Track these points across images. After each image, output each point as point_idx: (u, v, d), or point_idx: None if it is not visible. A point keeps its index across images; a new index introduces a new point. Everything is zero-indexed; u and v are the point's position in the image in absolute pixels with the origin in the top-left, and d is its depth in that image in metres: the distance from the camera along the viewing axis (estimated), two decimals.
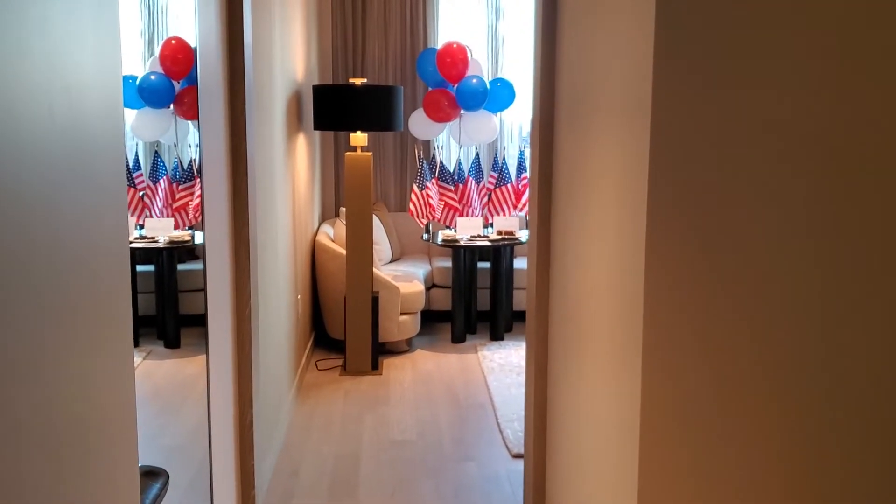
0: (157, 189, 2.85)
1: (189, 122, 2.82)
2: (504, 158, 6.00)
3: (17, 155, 0.87)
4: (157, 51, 2.75)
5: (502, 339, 5.63)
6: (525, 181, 5.74)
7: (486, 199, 5.87)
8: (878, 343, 1.58)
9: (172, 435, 2.78)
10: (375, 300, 4.94)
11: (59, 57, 0.98)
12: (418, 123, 5.92)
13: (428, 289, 5.85)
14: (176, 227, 2.83)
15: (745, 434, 1.61)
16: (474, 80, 5.73)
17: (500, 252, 5.59)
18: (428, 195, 5.60)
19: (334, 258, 5.16)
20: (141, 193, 2.82)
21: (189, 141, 2.85)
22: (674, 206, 1.55)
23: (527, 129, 6.30)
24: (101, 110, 1.13)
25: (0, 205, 0.83)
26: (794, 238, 1.56)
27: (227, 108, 2.78)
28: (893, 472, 1.62)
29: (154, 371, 2.81)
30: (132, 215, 2.71)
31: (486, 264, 5.76)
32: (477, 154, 6.00)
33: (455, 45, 5.75)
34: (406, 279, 5.45)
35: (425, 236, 5.96)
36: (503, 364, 5.08)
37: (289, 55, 4.31)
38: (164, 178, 2.85)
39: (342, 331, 5.18)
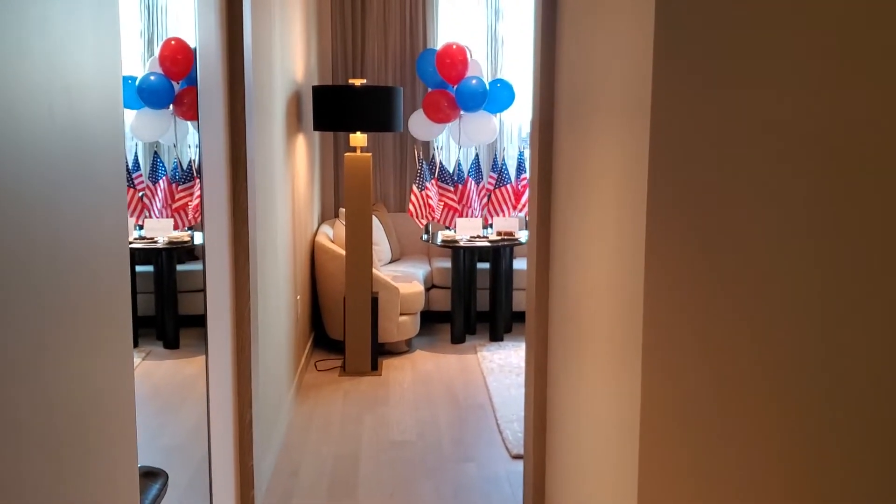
0: (156, 189, 2.84)
1: (188, 122, 2.82)
2: (503, 159, 6.00)
3: (17, 155, 0.87)
4: (157, 51, 2.75)
5: (502, 339, 5.63)
6: (524, 182, 5.74)
7: (485, 199, 5.87)
8: (878, 343, 1.58)
9: (171, 435, 2.78)
10: (375, 301, 4.94)
11: (59, 57, 0.98)
12: (418, 124, 5.92)
13: (427, 289, 5.85)
14: (175, 227, 2.83)
15: (745, 434, 1.61)
16: (474, 81, 5.73)
17: (500, 253, 5.59)
18: (427, 196, 5.60)
19: (334, 259, 5.16)
20: (140, 194, 2.82)
21: (188, 141, 2.85)
22: (674, 206, 1.55)
23: (526, 129, 6.31)
24: (100, 111, 1.13)
25: (0, 205, 0.83)
26: (794, 238, 1.56)
27: (226, 109, 2.78)
28: (893, 472, 1.62)
29: (153, 371, 2.81)
30: (131, 216, 2.71)
31: (486, 265, 5.76)
32: (476, 155, 6.00)
33: (455, 46, 5.75)
34: (405, 280, 5.45)
35: (425, 237, 5.96)
36: (503, 365, 5.08)
37: (289, 56, 4.31)
38: (164, 178, 2.85)
39: (341, 331, 5.18)
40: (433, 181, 5.69)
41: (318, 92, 4.81)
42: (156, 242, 2.86)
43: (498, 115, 5.99)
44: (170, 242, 2.87)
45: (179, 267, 3.05)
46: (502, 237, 5.62)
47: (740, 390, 1.60)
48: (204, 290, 2.65)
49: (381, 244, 5.81)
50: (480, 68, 5.88)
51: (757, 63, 1.52)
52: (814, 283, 1.57)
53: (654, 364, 1.59)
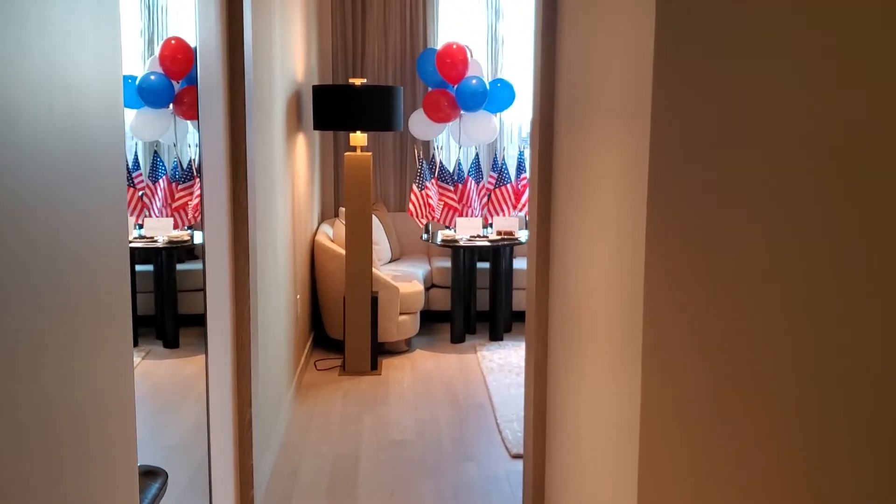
0: (156, 189, 2.84)
1: (188, 121, 2.82)
2: (504, 159, 6.00)
3: (17, 155, 0.87)
4: (157, 51, 2.75)
5: (501, 339, 5.63)
6: (524, 181, 5.74)
7: (485, 199, 5.87)
8: (878, 343, 1.58)
9: (171, 434, 2.78)
10: (375, 300, 4.94)
11: (59, 57, 0.98)
12: (418, 124, 5.92)
13: (427, 289, 5.85)
14: (175, 226, 2.83)
15: (745, 434, 1.61)
16: (474, 81, 5.73)
17: (500, 252, 5.59)
18: (427, 195, 5.60)
19: (334, 258, 5.16)
20: (140, 193, 2.82)
21: (188, 141, 2.85)
22: (674, 206, 1.55)
23: (526, 129, 6.31)
24: (101, 110, 1.13)
25: (0, 204, 0.83)
26: (794, 238, 1.56)
27: (226, 108, 2.78)
28: (893, 472, 1.62)
29: (153, 371, 2.81)
30: (131, 215, 2.71)
31: (486, 264, 5.76)
32: (476, 154, 6.00)
33: (455, 46, 5.75)
34: (405, 279, 5.45)
35: (425, 236, 5.96)
36: (502, 364, 5.08)
37: (289, 55, 4.31)
38: (164, 177, 2.85)
39: (341, 331, 5.18)
40: (433, 181, 5.69)
41: (319, 91, 4.81)
42: (155, 242, 2.86)
43: (498, 114, 5.99)
44: (169, 242, 2.87)
45: (179, 266, 3.05)
46: (502, 237, 5.62)
47: (740, 390, 1.60)
48: (204, 290, 2.65)
49: (380, 243, 5.81)
50: (481, 68, 5.88)
51: (757, 63, 1.52)
52: (814, 283, 1.57)
53: (654, 364, 1.59)
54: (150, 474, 1.51)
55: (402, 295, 5.20)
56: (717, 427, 1.61)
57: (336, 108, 4.77)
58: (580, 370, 2.18)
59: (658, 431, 1.61)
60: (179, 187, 2.85)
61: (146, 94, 2.68)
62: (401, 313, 5.25)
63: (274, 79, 3.77)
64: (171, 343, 2.96)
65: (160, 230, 2.84)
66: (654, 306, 1.57)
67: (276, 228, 3.77)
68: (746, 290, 1.57)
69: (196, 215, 2.74)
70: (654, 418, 1.61)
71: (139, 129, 2.78)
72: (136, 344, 2.06)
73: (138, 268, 2.96)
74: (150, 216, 2.83)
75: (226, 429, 2.84)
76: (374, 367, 4.98)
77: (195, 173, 2.73)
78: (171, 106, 2.78)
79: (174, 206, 2.84)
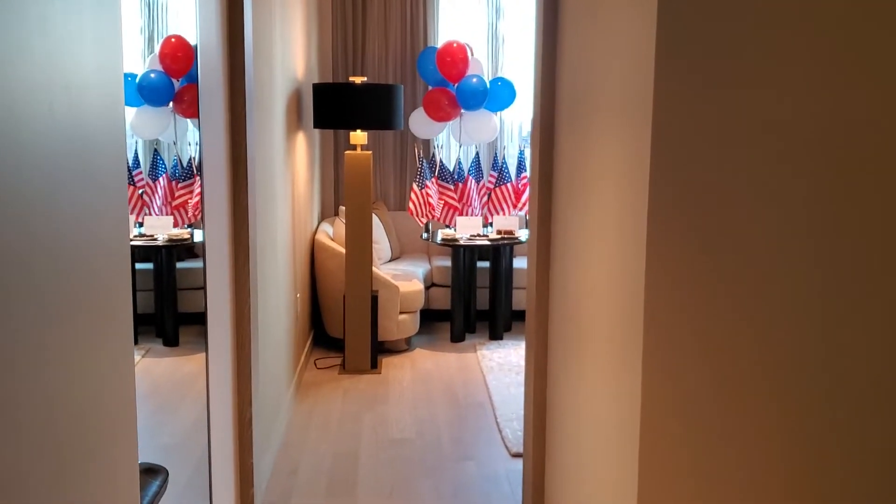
0: (156, 187, 2.84)
1: (188, 120, 2.82)
2: (504, 158, 6.00)
3: (17, 153, 0.87)
4: (157, 48, 2.75)
5: (501, 338, 5.64)
6: (525, 181, 5.74)
7: (485, 198, 5.87)
8: (878, 343, 1.58)
9: (171, 433, 2.78)
10: (375, 299, 4.94)
11: (59, 55, 0.98)
12: (418, 122, 5.92)
13: (427, 288, 5.85)
14: (175, 225, 2.83)
15: (745, 434, 1.61)
16: (474, 80, 5.73)
17: (500, 251, 5.59)
18: (427, 194, 5.60)
19: (333, 257, 5.16)
20: (140, 191, 2.82)
21: (188, 139, 2.85)
22: (674, 206, 1.55)
23: (527, 128, 6.30)
24: (101, 108, 1.13)
25: (1, 203, 0.83)
26: (794, 238, 1.56)
27: (227, 107, 2.78)
28: (893, 472, 1.62)
29: (153, 369, 2.81)
30: (131, 213, 2.71)
31: (486, 264, 5.76)
32: (477, 153, 6.00)
33: (455, 45, 5.75)
34: (405, 278, 5.44)
35: (425, 235, 5.96)
36: (502, 363, 5.08)
37: (289, 53, 4.31)
38: (164, 176, 2.85)
39: (341, 329, 5.18)
40: (433, 179, 5.69)
41: (319, 89, 4.81)
42: (155, 240, 2.86)
43: (498, 113, 5.98)
44: (169, 240, 2.87)
45: (179, 264, 3.05)
46: (502, 236, 5.62)
47: (740, 390, 1.60)
48: (204, 288, 2.65)
49: (381, 242, 5.81)
50: (481, 67, 5.88)
51: (757, 63, 1.52)
52: (814, 283, 1.57)
53: (655, 364, 1.59)
54: (151, 472, 1.51)
55: (402, 294, 5.20)
56: (717, 427, 1.61)
57: (336, 106, 4.77)
58: (580, 370, 2.18)
59: (658, 431, 1.61)
60: (179, 185, 2.85)
61: (146, 93, 2.67)
62: (401, 312, 5.25)
63: (274, 77, 3.77)
64: (171, 341, 2.96)
65: (160, 228, 2.84)
66: (655, 306, 1.57)
67: (276, 227, 3.77)
68: (746, 291, 1.57)
69: (196, 213, 2.74)
70: (654, 418, 1.61)
71: (139, 127, 2.77)
72: (135, 342, 2.06)
73: (138, 266, 2.96)
74: (150, 214, 2.83)
75: (226, 427, 2.84)
76: (374, 365, 4.98)
77: (195, 171, 2.73)
78: (171, 104, 2.78)
79: (174, 204, 2.84)
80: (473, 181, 5.80)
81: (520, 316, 5.64)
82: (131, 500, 1.29)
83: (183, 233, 2.83)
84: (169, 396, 2.88)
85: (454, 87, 5.80)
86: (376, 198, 6.43)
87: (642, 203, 1.58)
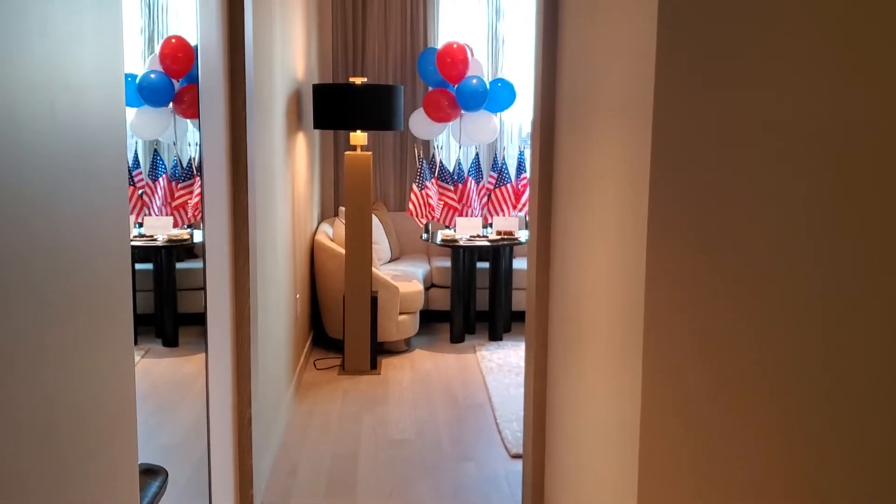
0: (156, 187, 2.84)
1: (188, 120, 2.82)
2: (504, 158, 6.00)
3: (18, 153, 0.87)
4: (157, 49, 2.75)
5: (501, 339, 5.63)
6: (524, 181, 5.74)
7: (485, 199, 5.87)
8: (878, 343, 1.58)
9: (170, 433, 2.77)
10: (374, 300, 4.94)
11: (60, 55, 0.98)
12: (418, 123, 5.92)
13: (427, 288, 5.85)
14: (175, 225, 2.83)
15: (745, 434, 1.61)
16: (474, 81, 5.73)
17: (500, 252, 5.59)
18: (427, 195, 5.60)
19: (333, 257, 5.16)
20: (140, 192, 2.82)
21: (188, 139, 2.85)
22: (674, 206, 1.55)
23: (527, 129, 6.31)
24: (102, 109, 1.13)
25: (1, 203, 0.83)
26: (794, 238, 1.56)
27: (227, 107, 2.78)
28: (893, 472, 1.62)
29: (152, 369, 2.81)
30: (131, 213, 2.70)
31: (486, 264, 5.76)
32: (477, 154, 6.00)
33: (455, 45, 5.75)
34: (405, 279, 5.44)
35: (424, 236, 5.96)
36: (502, 364, 5.08)
37: (289, 54, 4.31)
38: (164, 176, 2.85)
39: (341, 330, 5.18)
40: (433, 180, 5.69)
41: (319, 90, 4.81)
42: (155, 240, 2.86)
43: (498, 114, 5.98)
44: (169, 240, 2.87)
45: (179, 265, 3.05)
46: (502, 237, 5.62)
47: (740, 390, 1.60)
48: (204, 289, 2.65)
49: (380, 243, 5.81)
50: (481, 67, 5.88)
51: (757, 63, 1.52)
52: (814, 283, 1.57)
53: (655, 364, 1.59)
54: (151, 473, 1.51)
55: (402, 294, 5.20)
56: (717, 427, 1.61)
57: (336, 107, 4.77)
58: (580, 370, 2.18)
59: (658, 431, 1.61)
60: (179, 186, 2.85)
61: (146, 93, 2.67)
62: (400, 313, 5.25)
63: (274, 78, 3.77)
64: (171, 342, 2.96)
65: (160, 228, 2.84)
66: (655, 306, 1.57)
67: (275, 227, 3.77)
68: (746, 291, 1.57)
69: (196, 214, 2.74)
70: (654, 418, 1.61)
71: (139, 127, 2.78)
72: (135, 342, 2.05)
73: (137, 266, 2.95)
74: (150, 215, 2.83)
75: (225, 428, 2.84)
76: (374, 366, 4.98)
77: (195, 172, 2.73)
78: (171, 104, 2.78)
79: (174, 204, 2.84)
80: (473, 182, 5.81)
81: (519, 317, 5.64)
82: (131, 500, 1.29)
83: (183, 233, 2.83)
84: (168, 397, 2.88)
85: (454, 87, 5.80)
86: (376, 198, 6.43)
87: (642, 203, 1.58)
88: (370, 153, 4.92)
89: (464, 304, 5.63)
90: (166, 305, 2.93)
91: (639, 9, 1.60)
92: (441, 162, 5.83)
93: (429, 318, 6.01)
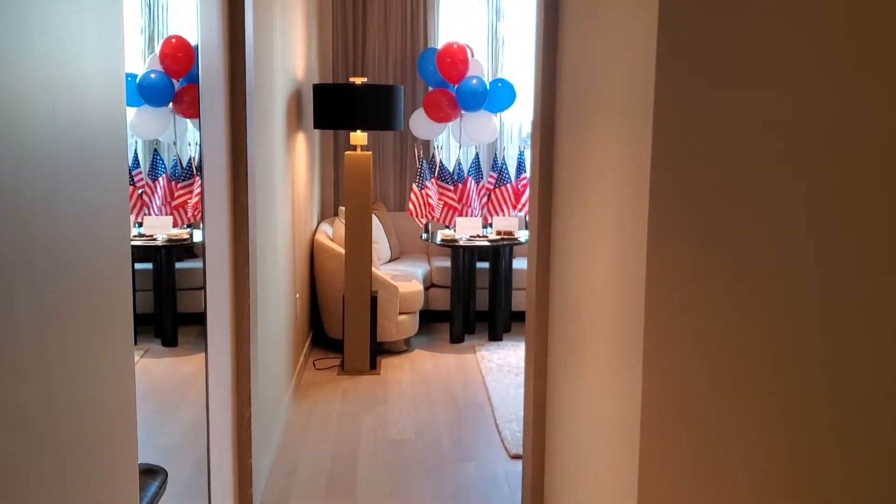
0: (155, 187, 2.84)
1: (188, 120, 2.82)
2: (504, 159, 6.00)
3: (19, 152, 0.87)
4: (158, 49, 2.75)
5: (501, 339, 5.63)
6: (524, 181, 5.74)
7: (485, 199, 5.87)
8: (878, 343, 1.58)
9: (170, 433, 2.77)
10: (374, 299, 4.94)
11: (61, 55, 0.98)
12: (418, 123, 5.92)
13: (427, 288, 5.85)
14: (174, 225, 2.83)
15: (745, 434, 1.61)
16: (474, 81, 5.73)
17: (500, 252, 5.59)
18: (427, 195, 5.60)
19: (333, 257, 5.16)
20: (140, 191, 2.82)
21: (188, 139, 2.85)
22: (674, 206, 1.55)
23: (527, 129, 6.31)
24: (102, 108, 1.13)
25: (2, 202, 0.83)
26: (794, 238, 1.56)
27: (227, 107, 2.78)
28: (893, 472, 1.62)
29: (151, 369, 2.81)
30: (131, 213, 2.70)
31: (485, 264, 5.76)
32: (476, 154, 6.00)
33: (455, 46, 5.75)
34: (405, 279, 5.44)
35: (424, 236, 5.96)
36: (501, 364, 5.08)
37: (289, 54, 4.31)
38: (163, 176, 2.85)
39: (340, 330, 5.18)
40: (433, 180, 5.69)
41: (319, 90, 4.81)
42: (155, 240, 2.86)
43: (498, 114, 5.98)
44: (169, 240, 2.87)
45: (178, 265, 3.05)
46: (502, 237, 5.62)
47: (740, 390, 1.60)
48: (203, 288, 2.65)
49: (380, 243, 5.81)
50: (481, 68, 5.88)
51: (757, 63, 1.52)
52: (814, 283, 1.57)
53: (655, 364, 1.59)
54: (150, 473, 1.51)
55: (402, 294, 5.20)
56: (717, 427, 1.61)
57: (336, 106, 4.77)
58: (580, 370, 2.18)
59: (658, 431, 1.61)
60: (179, 186, 2.85)
61: (146, 93, 2.68)
62: (400, 313, 5.25)
63: (274, 77, 3.77)
64: (170, 341, 2.96)
65: (159, 228, 2.84)
66: (655, 306, 1.57)
67: (275, 227, 3.77)
68: (746, 290, 1.57)
69: (195, 214, 2.74)
70: (654, 418, 1.61)
71: (139, 127, 2.78)
72: (134, 342, 2.06)
73: (137, 266, 2.96)
74: (150, 214, 2.83)
75: (225, 427, 2.84)
76: (373, 366, 4.98)
77: (195, 172, 2.73)
78: (171, 104, 2.78)
79: (173, 204, 2.84)
80: (473, 182, 5.81)
81: (519, 317, 5.64)
82: (131, 500, 1.29)
83: (182, 233, 2.83)
84: (168, 397, 2.88)
85: (454, 88, 5.80)
86: (376, 198, 6.43)
87: (642, 203, 1.58)
88: (370, 153, 4.92)
89: (464, 304, 5.63)
90: (166, 305, 2.93)
91: (639, 9, 1.60)
92: (441, 162, 5.83)
93: (428, 318, 6.00)
